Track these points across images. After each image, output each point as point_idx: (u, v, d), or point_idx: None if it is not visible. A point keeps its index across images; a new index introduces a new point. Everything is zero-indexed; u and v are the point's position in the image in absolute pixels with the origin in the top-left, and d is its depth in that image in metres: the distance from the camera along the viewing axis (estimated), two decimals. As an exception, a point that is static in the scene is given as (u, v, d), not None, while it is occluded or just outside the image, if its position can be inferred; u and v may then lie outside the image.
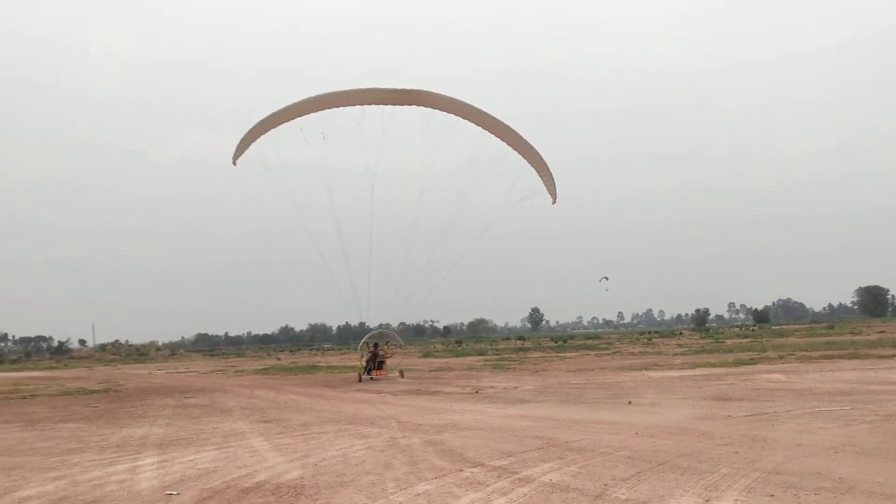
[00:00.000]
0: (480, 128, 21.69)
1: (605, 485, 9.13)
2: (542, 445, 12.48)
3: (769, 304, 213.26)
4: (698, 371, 30.83)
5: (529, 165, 22.43)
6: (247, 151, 22.61)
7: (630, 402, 19.27)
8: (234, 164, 22.83)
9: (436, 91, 21.27)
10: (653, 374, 30.42)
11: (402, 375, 34.45)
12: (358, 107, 21.21)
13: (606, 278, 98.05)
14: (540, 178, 22.64)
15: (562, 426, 15.06)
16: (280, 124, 21.84)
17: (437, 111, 21.33)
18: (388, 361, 35.32)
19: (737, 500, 8.17)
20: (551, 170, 22.64)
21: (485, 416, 17.54)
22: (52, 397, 30.24)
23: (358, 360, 37.63)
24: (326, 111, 21.45)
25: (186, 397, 27.33)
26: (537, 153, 22.18)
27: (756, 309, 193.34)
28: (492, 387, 26.76)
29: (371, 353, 35.01)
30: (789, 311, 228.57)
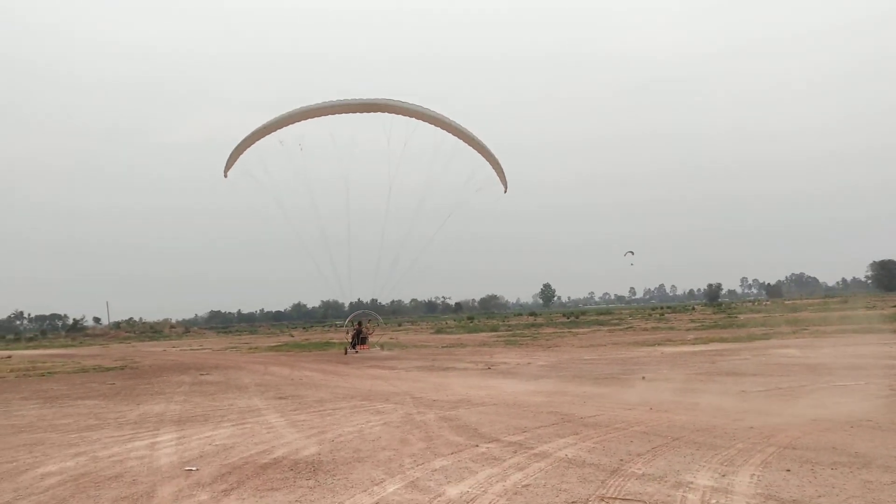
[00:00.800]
0: (438, 128, 23.88)
1: (621, 460, 9.17)
2: (557, 421, 12.52)
3: (782, 278, 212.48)
4: (711, 346, 30.82)
5: (485, 160, 24.65)
6: (237, 163, 25.01)
7: (644, 378, 19.31)
8: (226, 176, 25.36)
9: (397, 99, 23.36)
10: (666, 349, 30.45)
11: (382, 349, 38.89)
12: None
13: (632, 252, 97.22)
14: (494, 170, 24.84)
15: (576, 402, 15.11)
16: (262, 138, 24.29)
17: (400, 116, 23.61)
18: (369, 338, 38.16)
19: (753, 474, 8.19)
20: (501, 162, 24.92)
21: (499, 391, 17.61)
22: (70, 374, 30.56)
23: (344, 336, 41.73)
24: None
25: (202, 374, 27.55)
26: (488, 149, 24.46)
27: (769, 283, 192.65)
28: (505, 363, 26.86)
29: (356, 329, 38.06)
30: (803, 286, 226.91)
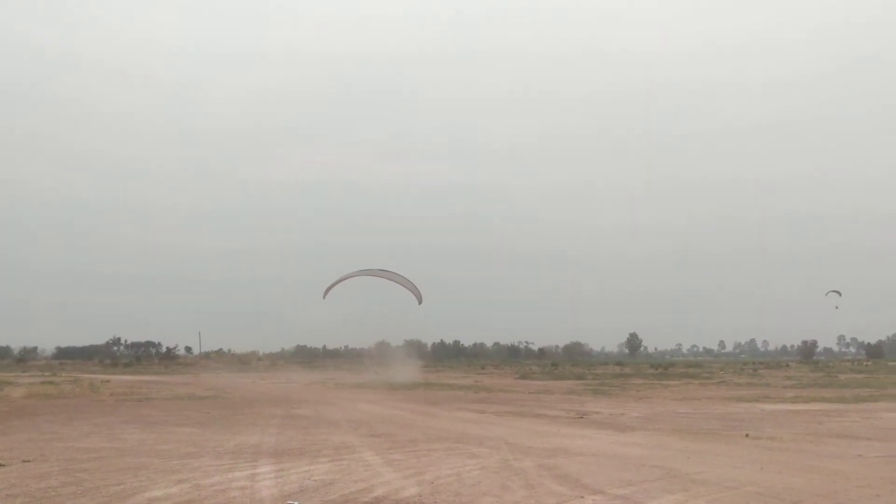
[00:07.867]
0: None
1: (739, 522, 8.69)
2: (662, 475, 12.03)
3: (884, 338, 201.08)
4: (814, 406, 29.33)
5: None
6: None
7: (748, 435, 18.46)
8: (324, 298, 52.74)
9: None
10: (766, 406, 29.15)
11: None
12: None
13: (838, 293, 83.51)
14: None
15: (679, 456, 14.51)
16: (341, 283, 51.92)
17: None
18: None
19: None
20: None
21: (596, 441, 17.10)
22: (166, 401, 31.40)
23: None
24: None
25: (293, 408, 27.84)
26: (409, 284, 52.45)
27: (868, 343, 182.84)
28: (597, 412, 26.17)
29: None
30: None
